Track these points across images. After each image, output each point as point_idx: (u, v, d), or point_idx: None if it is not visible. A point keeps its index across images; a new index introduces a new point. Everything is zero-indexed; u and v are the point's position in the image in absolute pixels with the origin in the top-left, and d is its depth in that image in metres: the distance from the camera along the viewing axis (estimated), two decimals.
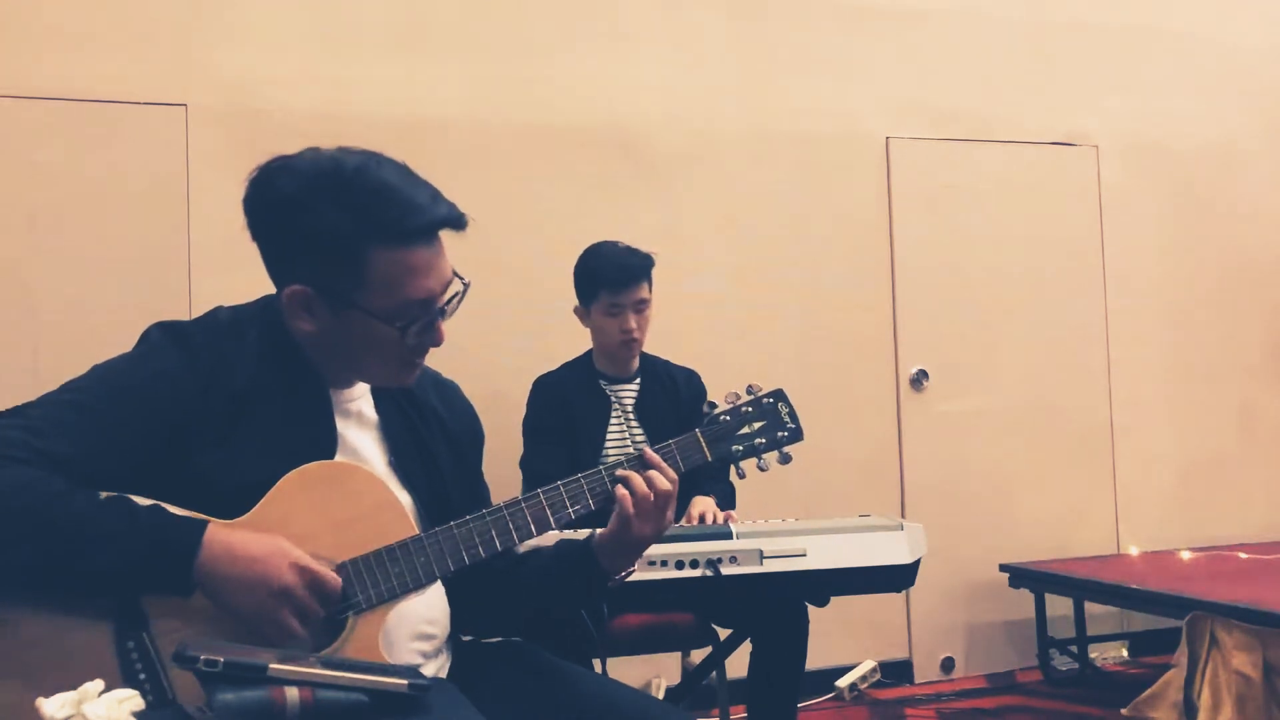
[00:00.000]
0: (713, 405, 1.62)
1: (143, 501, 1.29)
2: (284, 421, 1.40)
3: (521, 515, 1.45)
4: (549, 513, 1.46)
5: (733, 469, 1.62)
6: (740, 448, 1.59)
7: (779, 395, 1.63)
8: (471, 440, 1.66)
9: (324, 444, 1.43)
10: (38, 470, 1.25)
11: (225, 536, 1.28)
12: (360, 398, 1.54)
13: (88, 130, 3.24)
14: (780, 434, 1.61)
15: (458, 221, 1.43)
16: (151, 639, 1.26)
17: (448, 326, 1.49)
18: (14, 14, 3.21)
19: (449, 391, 1.67)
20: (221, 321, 1.45)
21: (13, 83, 3.18)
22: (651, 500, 1.48)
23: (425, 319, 1.42)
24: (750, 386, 1.63)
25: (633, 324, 2.76)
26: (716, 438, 1.58)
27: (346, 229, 1.35)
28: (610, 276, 2.75)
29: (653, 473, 1.49)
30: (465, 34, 3.66)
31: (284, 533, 1.33)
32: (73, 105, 3.23)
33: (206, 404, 1.35)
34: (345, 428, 1.48)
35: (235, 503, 1.33)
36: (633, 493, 1.47)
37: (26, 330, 3.14)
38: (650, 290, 2.80)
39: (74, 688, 1.08)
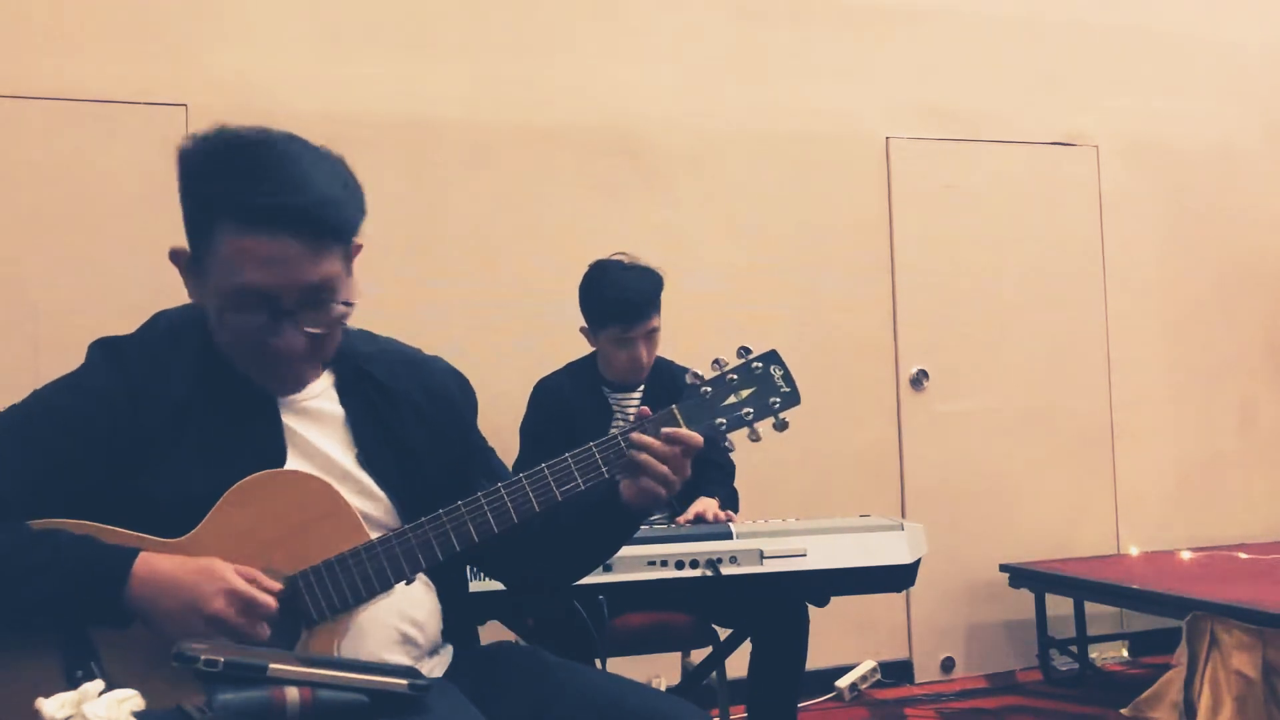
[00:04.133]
0: (698, 375, 1.50)
1: (77, 532, 1.27)
2: (228, 430, 1.37)
3: (481, 512, 1.39)
4: (511, 507, 1.40)
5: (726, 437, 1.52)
6: (724, 420, 1.48)
7: (771, 358, 1.52)
8: (451, 417, 1.56)
9: (271, 451, 1.39)
10: None
11: (153, 565, 1.25)
12: (320, 395, 1.47)
13: (88, 130, 3.23)
14: (773, 400, 1.49)
15: (305, 216, 1.30)
16: (99, 665, 1.25)
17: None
18: (13, 14, 3.21)
19: (426, 369, 1.58)
20: (159, 331, 1.43)
21: (13, 83, 3.18)
22: (670, 456, 1.44)
23: (265, 314, 1.32)
24: (741, 349, 1.50)
25: (643, 355, 2.71)
26: (695, 411, 1.48)
27: (205, 199, 1.33)
28: (621, 313, 2.67)
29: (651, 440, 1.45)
30: (465, 34, 3.65)
31: (231, 548, 1.29)
32: (73, 105, 3.22)
33: (145, 421, 1.33)
34: (303, 428, 1.43)
35: (182, 519, 1.31)
36: (653, 456, 1.43)
37: (26, 330, 3.14)
38: (659, 314, 2.73)
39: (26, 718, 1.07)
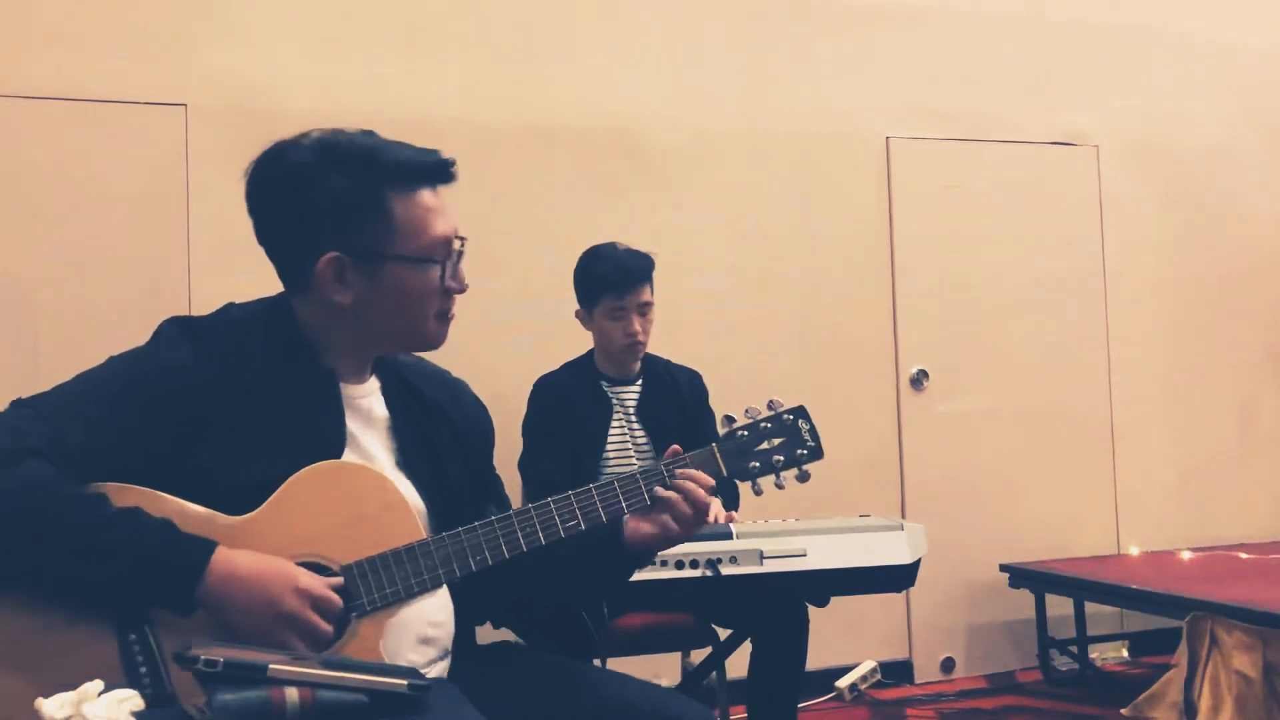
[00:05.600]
0: (731, 419, 1.60)
1: (153, 510, 1.29)
2: (293, 418, 1.41)
3: (531, 524, 1.44)
4: (559, 522, 1.45)
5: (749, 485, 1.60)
6: (757, 464, 1.57)
7: (800, 412, 1.61)
8: (480, 437, 1.65)
9: (333, 442, 1.43)
10: (52, 466, 1.26)
11: (230, 561, 1.28)
12: (370, 395, 1.53)
13: (88, 130, 3.23)
14: (800, 452, 1.59)
15: (449, 167, 1.47)
16: (154, 633, 1.27)
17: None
18: (14, 14, 3.21)
19: (457, 390, 1.66)
20: (233, 319, 1.46)
21: (13, 83, 3.18)
22: (691, 512, 1.50)
23: (453, 259, 1.46)
24: (771, 402, 1.60)
25: (637, 327, 2.76)
26: (733, 453, 1.56)
27: (362, 183, 1.40)
28: (613, 280, 2.73)
29: (694, 486, 1.51)
30: (465, 34, 3.65)
31: (291, 532, 1.33)
32: (73, 105, 3.22)
33: (216, 399, 1.36)
34: (355, 425, 1.48)
35: (242, 499, 1.34)
36: (686, 499, 1.50)
37: (26, 330, 3.14)
38: (652, 292, 2.79)
39: (75, 678, 1.09)
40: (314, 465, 1.38)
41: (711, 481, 1.52)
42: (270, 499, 1.35)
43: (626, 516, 1.53)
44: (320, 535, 1.35)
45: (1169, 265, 4.50)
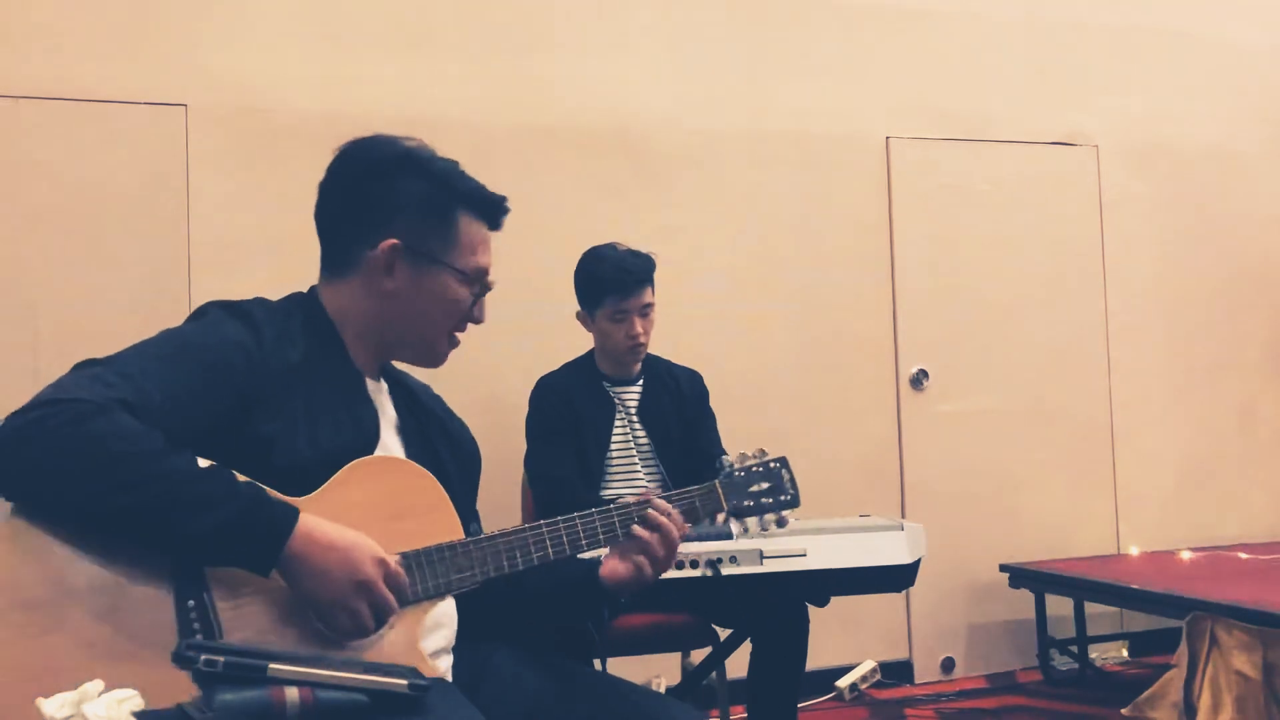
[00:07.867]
0: (724, 460, 1.71)
1: (241, 477, 1.30)
2: (332, 404, 1.45)
3: (559, 535, 1.50)
4: (582, 535, 1.52)
5: (734, 524, 1.71)
6: (750, 504, 1.69)
7: (783, 462, 1.75)
8: (469, 458, 1.69)
9: (370, 432, 1.48)
10: (141, 421, 1.26)
11: (315, 527, 1.30)
12: (383, 393, 1.58)
13: (88, 130, 3.23)
14: (782, 498, 1.73)
15: (504, 215, 1.61)
16: (211, 601, 1.26)
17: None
18: (13, 14, 3.21)
19: (447, 408, 1.72)
20: (271, 305, 1.50)
21: (12, 83, 3.18)
22: (664, 548, 1.57)
23: (483, 291, 1.57)
24: (759, 451, 1.74)
25: (639, 329, 2.75)
26: (732, 491, 1.69)
27: (442, 192, 1.53)
28: (616, 282, 2.73)
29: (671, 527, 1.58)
30: (465, 34, 3.66)
31: (340, 520, 1.35)
32: (73, 105, 3.23)
33: (270, 377, 1.39)
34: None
35: (288, 477, 1.35)
36: (658, 534, 1.57)
37: (26, 330, 3.14)
38: (653, 293, 2.79)
39: (128, 641, 1.14)
40: (366, 458, 1.42)
41: (686, 526, 1.60)
42: (325, 485, 1.38)
43: (602, 554, 1.59)
44: (368, 526, 1.37)
45: (1169, 265, 4.50)
